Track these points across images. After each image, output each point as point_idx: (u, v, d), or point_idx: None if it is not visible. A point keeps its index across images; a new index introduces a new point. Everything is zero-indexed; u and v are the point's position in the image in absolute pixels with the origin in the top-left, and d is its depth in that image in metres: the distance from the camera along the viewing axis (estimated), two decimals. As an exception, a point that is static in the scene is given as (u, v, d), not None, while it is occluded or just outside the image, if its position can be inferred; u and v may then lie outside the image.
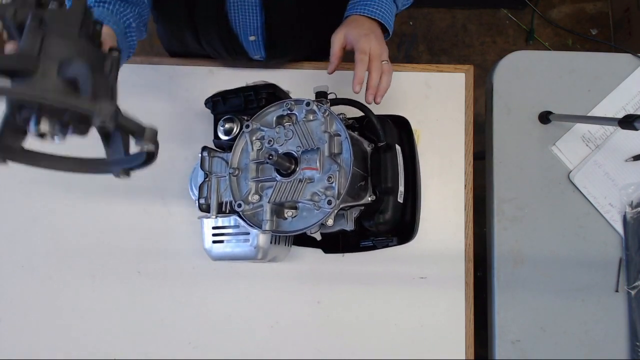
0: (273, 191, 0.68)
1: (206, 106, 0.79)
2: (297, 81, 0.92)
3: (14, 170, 0.94)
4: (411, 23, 1.93)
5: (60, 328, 0.89)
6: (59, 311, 0.89)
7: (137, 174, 0.97)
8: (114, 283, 0.89)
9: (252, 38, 0.82)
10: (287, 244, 0.82)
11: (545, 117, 0.91)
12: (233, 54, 0.89)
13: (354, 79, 0.67)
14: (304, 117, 0.70)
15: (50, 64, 0.41)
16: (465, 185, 0.90)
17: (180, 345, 0.87)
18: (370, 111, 0.74)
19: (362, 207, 0.73)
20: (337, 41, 0.70)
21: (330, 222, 0.66)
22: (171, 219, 0.91)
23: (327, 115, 0.68)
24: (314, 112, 0.69)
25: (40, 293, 0.90)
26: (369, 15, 0.71)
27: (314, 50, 0.97)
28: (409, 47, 1.91)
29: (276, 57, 0.92)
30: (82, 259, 0.90)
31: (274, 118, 0.71)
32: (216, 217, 0.74)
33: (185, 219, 0.90)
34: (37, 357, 0.88)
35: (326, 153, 0.68)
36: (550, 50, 1.85)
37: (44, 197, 0.93)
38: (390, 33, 0.76)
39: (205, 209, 0.77)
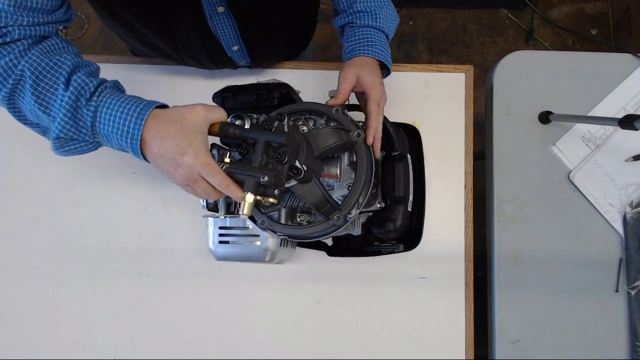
0: (290, 196, 0.68)
1: (214, 100, 0.78)
2: (300, 81, 0.92)
3: (14, 170, 0.95)
4: (411, 23, 1.93)
5: (60, 328, 0.89)
6: (59, 311, 0.89)
7: (137, 174, 0.98)
8: (114, 283, 0.89)
9: (235, 48, 0.82)
10: (292, 246, 0.82)
11: (545, 117, 0.91)
12: (219, 63, 0.88)
13: (369, 129, 0.67)
14: (324, 124, 0.69)
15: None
16: (465, 185, 0.90)
17: (180, 345, 0.87)
18: (387, 119, 0.73)
19: (370, 213, 0.73)
20: (349, 82, 0.69)
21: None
22: (171, 219, 0.91)
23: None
24: (335, 120, 0.68)
25: (40, 293, 0.90)
26: (376, 57, 0.72)
27: (293, 50, 0.98)
28: (409, 47, 1.91)
29: (261, 62, 0.92)
30: (82, 259, 0.90)
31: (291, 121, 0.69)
32: (225, 217, 0.72)
33: (185, 219, 0.90)
34: (37, 357, 0.88)
35: (346, 162, 0.68)
36: (550, 50, 1.85)
37: (44, 197, 0.93)
38: (390, 72, 0.77)
39: (212, 208, 0.74)
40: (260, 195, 0.56)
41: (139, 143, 0.55)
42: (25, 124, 0.63)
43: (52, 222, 0.92)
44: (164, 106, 0.59)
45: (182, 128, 0.55)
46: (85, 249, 0.91)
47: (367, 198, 0.66)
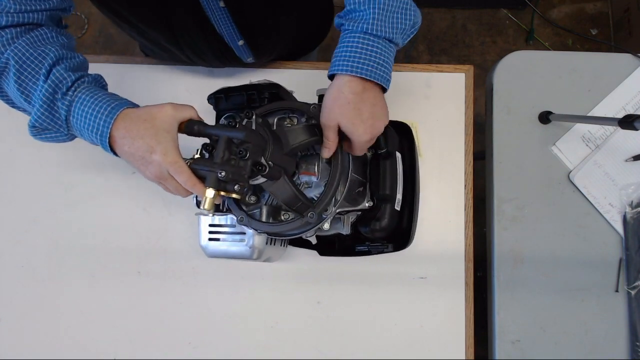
0: (270, 194, 0.68)
1: (209, 102, 0.79)
2: (298, 81, 0.92)
3: (14, 170, 0.95)
4: (411, 23, 1.92)
5: (60, 328, 0.89)
6: (59, 311, 0.89)
7: (138, 174, 0.98)
8: (114, 283, 0.89)
9: (240, 43, 0.81)
10: (282, 245, 0.82)
11: (545, 117, 0.91)
12: (225, 61, 0.88)
13: (351, 151, 0.65)
14: (305, 121, 0.69)
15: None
16: (465, 185, 0.90)
17: (180, 345, 0.87)
18: None
19: (359, 212, 0.73)
20: (332, 129, 0.62)
21: (326, 226, 0.67)
22: (171, 219, 0.91)
23: None
24: (316, 116, 0.67)
25: (40, 293, 0.90)
26: (362, 76, 0.59)
27: (297, 44, 0.98)
28: (409, 47, 1.90)
29: (263, 57, 0.91)
30: (82, 259, 0.90)
31: (275, 119, 0.70)
32: (213, 215, 0.74)
33: (185, 219, 0.90)
34: (37, 357, 0.88)
35: (324, 159, 0.68)
36: (550, 50, 1.85)
37: (44, 197, 0.93)
38: (386, 90, 0.64)
39: None
40: (222, 191, 0.56)
41: (107, 140, 0.57)
42: (13, 107, 0.66)
43: (52, 222, 0.92)
44: (136, 106, 0.60)
45: (152, 127, 0.56)
46: (85, 249, 0.91)
47: (344, 195, 0.66)
